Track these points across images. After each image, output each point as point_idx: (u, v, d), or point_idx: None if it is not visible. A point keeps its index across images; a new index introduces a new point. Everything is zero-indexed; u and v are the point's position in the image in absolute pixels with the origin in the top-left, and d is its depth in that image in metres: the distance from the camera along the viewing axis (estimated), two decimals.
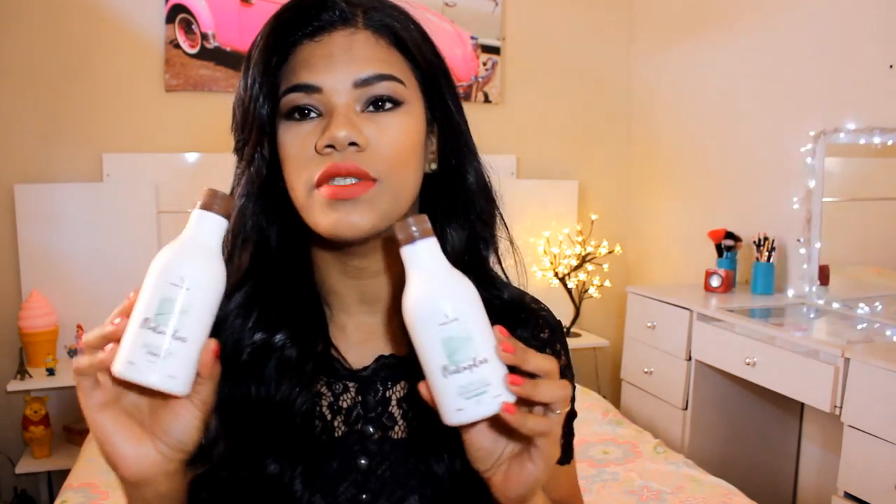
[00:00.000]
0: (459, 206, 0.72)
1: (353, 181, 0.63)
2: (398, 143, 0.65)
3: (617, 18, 3.51)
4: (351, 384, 0.72)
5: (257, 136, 0.66)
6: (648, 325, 2.74)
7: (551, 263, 3.20)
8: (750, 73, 2.82)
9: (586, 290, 3.24)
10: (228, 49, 2.95)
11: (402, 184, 0.66)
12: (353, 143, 0.63)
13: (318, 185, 0.63)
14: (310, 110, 0.65)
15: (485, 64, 3.29)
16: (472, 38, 3.25)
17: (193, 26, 2.91)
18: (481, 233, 0.73)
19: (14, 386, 2.57)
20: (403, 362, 0.72)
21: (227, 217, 0.60)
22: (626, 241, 3.49)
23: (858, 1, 2.38)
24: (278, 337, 0.69)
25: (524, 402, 0.56)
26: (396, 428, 0.71)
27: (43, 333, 2.68)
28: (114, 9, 2.85)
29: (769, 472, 2.60)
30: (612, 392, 3.39)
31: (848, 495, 1.91)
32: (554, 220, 3.29)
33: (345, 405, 0.72)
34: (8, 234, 2.77)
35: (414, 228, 0.57)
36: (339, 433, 0.71)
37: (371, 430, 0.71)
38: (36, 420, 2.64)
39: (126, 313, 0.57)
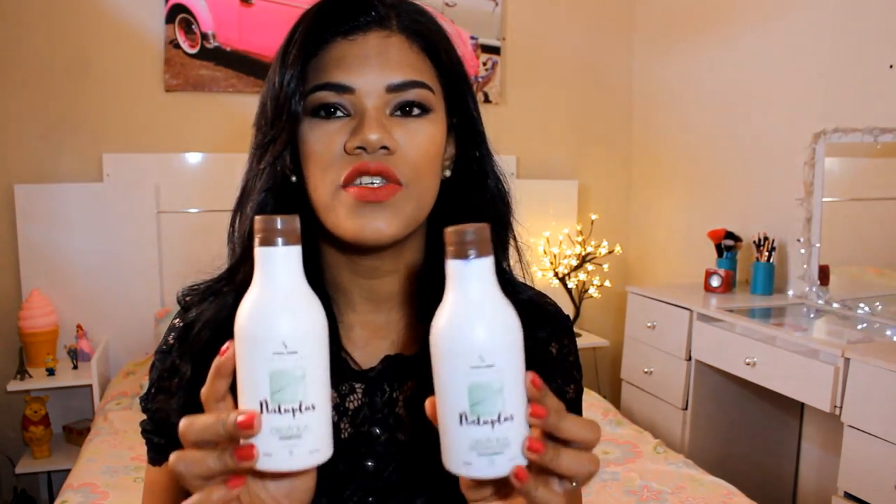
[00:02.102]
0: (481, 213, 0.72)
1: (381, 183, 0.63)
2: (424, 148, 0.65)
3: (617, 18, 3.51)
4: (357, 385, 0.71)
5: (289, 132, 0.65)
6: (648, 325, 2.74)
7: (551, 263, 3.20)
8: (750, 73, 2.82)
9: (586, 290, 3.24)
10: (228, 49, 2.95)
11: (426, 190, 0.67)
12: (383, 147, 0.63)
13: (345, 184, 0.63)
14: (338, 108, 0.65)
15: (485, 64, 3.29)
16: (472, 38, 3.25)
17: (193, 26, 2.90)
18: (500, 237, 0.73)
19: (14, 386, 2.57)
20: (410, 362, 0.72)
21: (298, 242, 0.49)
22: (626, 241, 3.49)
23: (858, 1, 2.38)
24: None
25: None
26: (403, 429, 0.71)
27: (43, 333, 2.68)
28: (114, 9, 2.85)
29: (769, 472, 2.60)
30: (612, 392, 3.39)
31: (848, 495, 1.91)
32: (554, 220, 3.29)
33: (351, 406, 0.71)
34: (8, 234, 2.77)
35: (471, 240, 0.47)
36: (346, 435, 0.70)
37: (378, 431, 0.70)
38: (36, 420, 2.64)
39: (224, 376, 0.50)
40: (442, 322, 0.49)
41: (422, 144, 0.65)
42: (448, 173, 0.72)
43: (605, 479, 2.00)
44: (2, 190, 2.77)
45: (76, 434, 2.74)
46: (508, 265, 0.75)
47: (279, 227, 0.48)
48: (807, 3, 2.56)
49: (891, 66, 2.24)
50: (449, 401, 0.49)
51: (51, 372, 2.61)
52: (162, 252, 2.89)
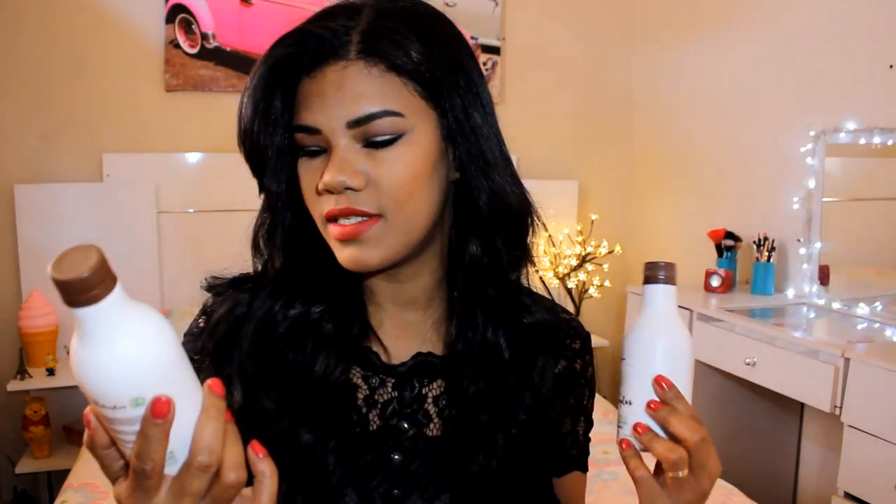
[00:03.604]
0: (476, 222, 0.69)
1: (357, 220, 0.64)
2: (399, 177, 0.63)
3: (617, 18, 3.51)
4: (388, 379, 0.72)
5: (260, 167, 0.68)
6: None
7: (551, 263, 3.20)
8: (750, 73, 2.82)
9: (586, 290, 3.24)
10: (228, 49, 2.95)
11: (412, 214, 0.65)
12: (348, 188, 0.63)
13: (328, 220, 0.65)
14: (315, 146, 0.65)
15: (485, 64, 3.29)
16: (473, 38, 3.25)
17: (193, 26, 2.90)
18: (503, 252, 0.70)
19: (14, 386, 2.57)
20: (441, 361, 0.73)
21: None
22: (626, 241, 3.49)
23: (858, 1, 2.38)
24: (315, 308, 0.70)
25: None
26: (431, 425, 0.72)
27: (43, 333, 2.68)
28: (114, 9, 2.85)
29: (769, 472, 2.60)
30: (613, 392, 3.39)
31: (848, 495, 1.91)
32: (554, 220, 3.29)
33: (381, 399, 0.72)
34: (8, 234, 2.77)
35: (660, 273, 0.66)
36: (374, 427, 0.71)
37: (406, 425, 0.71)
38: (36, 420, 2.63)
39: None
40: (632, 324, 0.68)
41: (395, 173, 0.63)
42: (458, 175, 0.69)
43: (605, 479, 2.00)
44: (2, 190, 2.76)
45: (76, 434, 2.73)
46: (509, 281, 0.72)
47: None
48: (807, 3, 2.56)
49: (891, 66, 2.24)
50: None
51: (51, 372, 2.61)
52: (162, 252, 2.89)
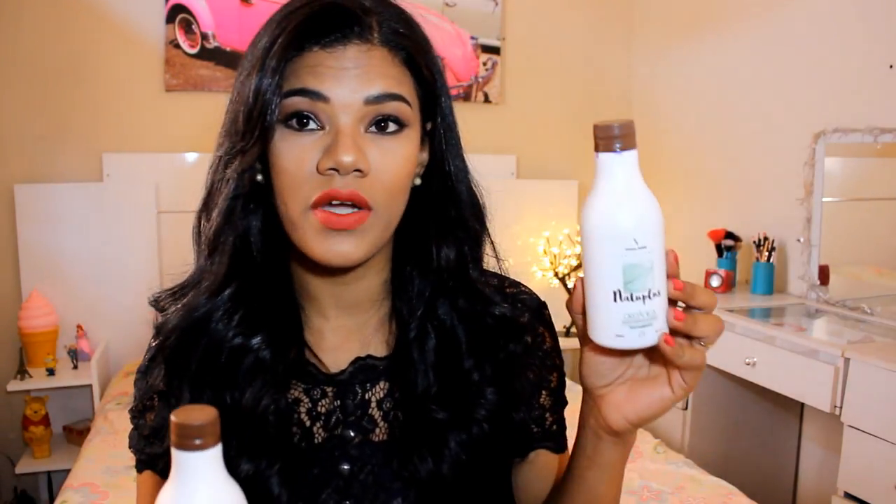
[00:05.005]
0: (452, 226, 0.70)
1: (350, 210, 0.62)
2: (398, 170, 0.63)
3: (617, 18, 3.51)
4: (328, 388, 0.71)
5: (261, 145, 0.62)
6: None
7: (551, 263, 3.20)
8: (750, 73, 2.82)
9: None
10: (228, 49, 2.95)
11: (395, 211, 0.65)
12: (356, 169, 0.61)
13: (314, 206, 0.61)
14: (310, 120, 0.62)
15: (485, 64, 3.29)
16: (472, 38, 3.25)
17: (193, 26, 2.90)
18: (470, 251, 0.72)
19: (14, 386, 2.57)
20: (382, 363, 0.72)
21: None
22: None
23: (858, 1, 2.38)
24: (255, 340, 0.67)
25: (679, 334, 0.56)
26: (377, 430, 0.70)
27: (43, 333, 2.68)
28: (114, 9, 2.85)
29: (769, 472, 2.60)
30: None
31: (848, 495, 1.91)
32: (554, 220, 3.29)
33: (323, 410, 0.70)
34: (8, 234, 2.77)
35: (617, 134, 0.52)
36: (319, 439, 0.70)
37: (351, 434, 0.70)
38: (36, 420, 2.64)
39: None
40: (596, 209, 0.54)
41: (396, 166, 0.63)
42: (418, 181, 0.70)
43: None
44: (2, 190, 2.77)
45: (76, 434, 2.74)
46: (481, 275, 0.73)
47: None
48: (807, 3, 2.56)
49: (891, 66, 2.24)
50: (604, 280, 0.54)
51: (51, 372, 2.61)
52: (162, 252, 2.89)
